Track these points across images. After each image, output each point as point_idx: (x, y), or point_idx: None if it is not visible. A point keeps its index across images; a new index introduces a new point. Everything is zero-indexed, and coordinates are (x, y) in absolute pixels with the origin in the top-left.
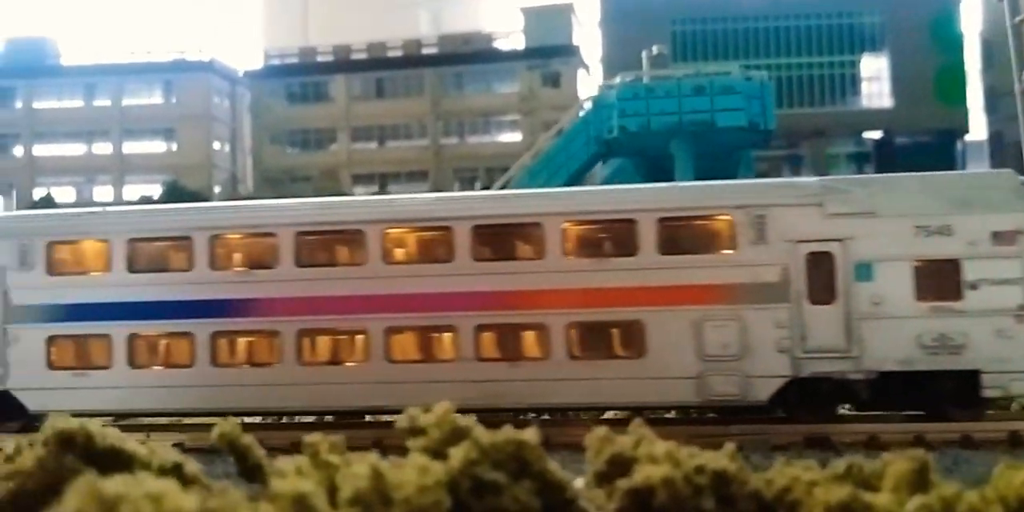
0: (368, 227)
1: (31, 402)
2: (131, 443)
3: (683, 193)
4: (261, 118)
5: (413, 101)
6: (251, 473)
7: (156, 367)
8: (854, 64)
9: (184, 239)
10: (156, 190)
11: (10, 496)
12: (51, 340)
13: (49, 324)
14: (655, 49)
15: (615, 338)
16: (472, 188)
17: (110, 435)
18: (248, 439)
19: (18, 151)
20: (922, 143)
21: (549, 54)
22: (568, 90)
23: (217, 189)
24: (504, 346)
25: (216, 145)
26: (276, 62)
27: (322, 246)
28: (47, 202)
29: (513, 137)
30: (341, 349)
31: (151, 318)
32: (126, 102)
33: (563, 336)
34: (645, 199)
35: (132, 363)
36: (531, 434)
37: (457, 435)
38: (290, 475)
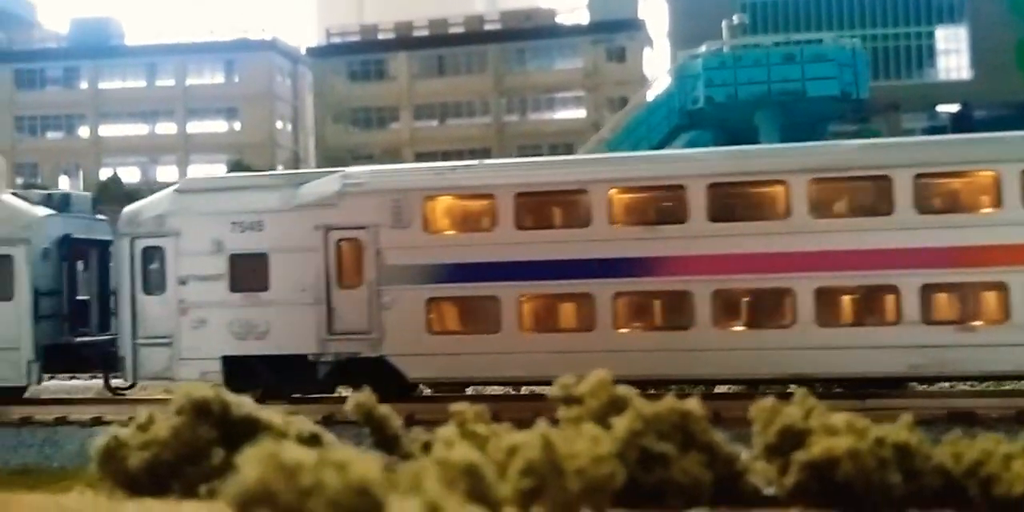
0: (791, 177)
1: (410, 369)
2: (266, 412)
3: None
4: (323, 97)
5: (475, 78)
6: (388, 444)
7: (551, 331)
8: (931, 35)
9: (579, 193)
10: (220, 169)
11: (146, 465)
12: (431, 303)
13: (428, 286)
14: (735, 18)
15: None
16: None
17: (245, 404)
18: (384, 410)
19: (84, 131)
20: (1002, 116)
21: (614, 29)
22: (633, 65)
23: (280, 168)
24: (954, 307)
25: (278, 124)
26: (337, 40)
27: (739, 198)
28: (115, 182)
29: (577, 113)
30: (761, 312)
31: (543, 278)
32: (189, 82)
33: None
34: None
35: (523, 327)
36: (695, 404)
37: (616, 405)
38: (445, 445)
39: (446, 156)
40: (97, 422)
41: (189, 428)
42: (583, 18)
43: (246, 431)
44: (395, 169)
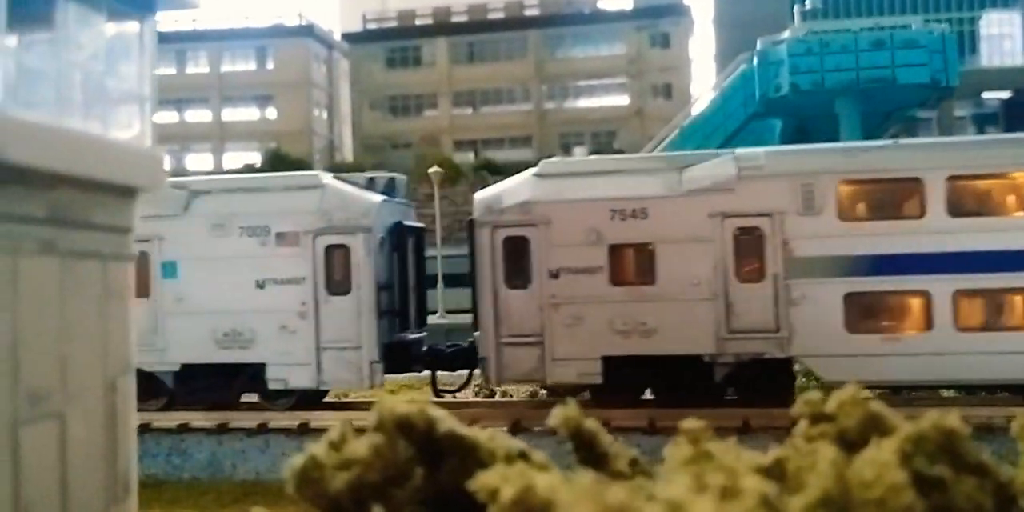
0: None
1: (825, 370)
2: (468, 429)
3: None
4: (360, 84)
5: (516, 64)
6: (595, 462)
7: (993, 330)
8: (983, 21)
9: None
10: (255, 157)
11: (349, 487)
12: (849, 298)
13: (846, 279)
14: (807, 3)
15: None
16: (571, 154)
17: (447, 420)
18: (592, 424)
19: None
20: None
21: (658, 14)
22: (678, 51)
23: (317, 157)
24: None
25: (315, 112)
26: (374, 26)
27: None
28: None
29: (620, 100)
30: None
31: (983, 271)
32: (224, 68)
33: None
34: None
35: (960, 326)
36: (956, 421)
37: (872, 423)
38: (683, 466)
39: (485, 144)
40: (224, 429)
41: (389, 446)
42: (626, 3)
43: (450, 450)
44: (798, 149)
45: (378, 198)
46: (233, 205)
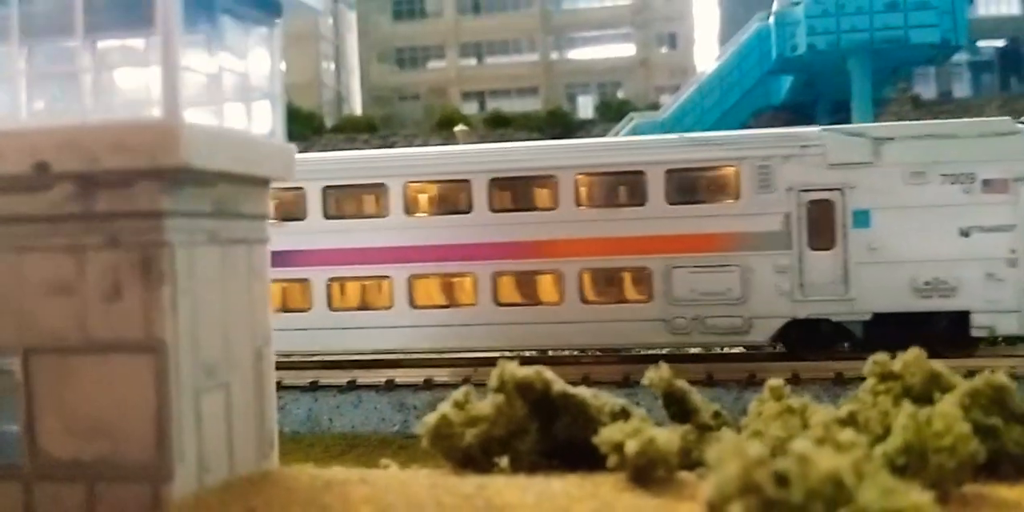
0: None
1: None
2: (577, 389)
3: None
4: (367, 36)
5: (521, 15)
6: (684, 416)
7: None
8: None
9: None
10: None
11: (478, 442)
12: None
13: None
14: None
15: None
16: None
17: (558, 382)
18: (682, 383)
19: None
20: None
21: None
22: (682, 1)
23: (324, 109)
24: None
25: (323, 64)
26: None
27: None
28: None
29: (626, 50)
30: None
31: None
32: None
33: None
34: None
35: None
36: (1003, 378)
37: (933, 381)
38: (764, 421)
39: (493, 95)
40: (315, 387)
41: (510, 405)
42: None
43: (562, 407)
44: None
45: None
46: (931, 152)
